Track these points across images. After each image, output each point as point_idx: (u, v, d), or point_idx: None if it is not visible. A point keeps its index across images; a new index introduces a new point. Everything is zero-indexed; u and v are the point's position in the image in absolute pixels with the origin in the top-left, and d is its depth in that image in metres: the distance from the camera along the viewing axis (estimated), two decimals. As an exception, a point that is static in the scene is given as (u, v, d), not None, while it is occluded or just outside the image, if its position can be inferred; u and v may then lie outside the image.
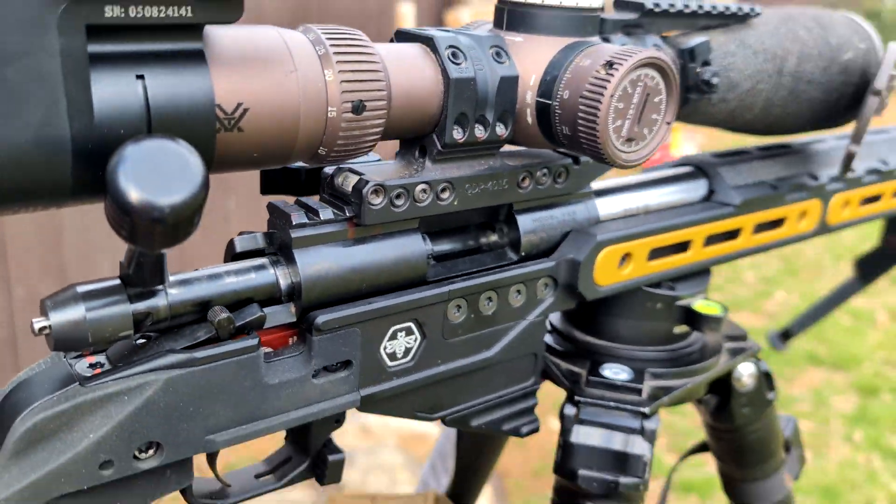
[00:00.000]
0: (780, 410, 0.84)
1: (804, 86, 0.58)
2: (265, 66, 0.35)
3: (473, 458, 0.72)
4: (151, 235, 0.29)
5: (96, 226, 1.61)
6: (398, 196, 0.42)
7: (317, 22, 0.38)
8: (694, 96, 0.52)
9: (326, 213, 0.41)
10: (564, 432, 0.53)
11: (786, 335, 1.07)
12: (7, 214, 0.32)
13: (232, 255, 0.42)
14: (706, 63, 0.52)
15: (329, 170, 0.44)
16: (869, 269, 1.02)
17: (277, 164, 0.38)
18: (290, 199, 0.44)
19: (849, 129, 0.63)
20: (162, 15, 0.31)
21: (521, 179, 0.47)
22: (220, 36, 0.35)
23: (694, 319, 0.55)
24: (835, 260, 4.00)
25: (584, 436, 0.51)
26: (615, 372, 0.55)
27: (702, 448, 0.71)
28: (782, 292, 3.54)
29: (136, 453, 0.37)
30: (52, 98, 0.30)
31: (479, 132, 0.43)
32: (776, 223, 0.62)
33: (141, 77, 0.32)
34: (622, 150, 0.42)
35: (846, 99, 0.60)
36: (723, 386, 0.61)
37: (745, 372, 0.62)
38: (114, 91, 0.31)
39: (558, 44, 0.43)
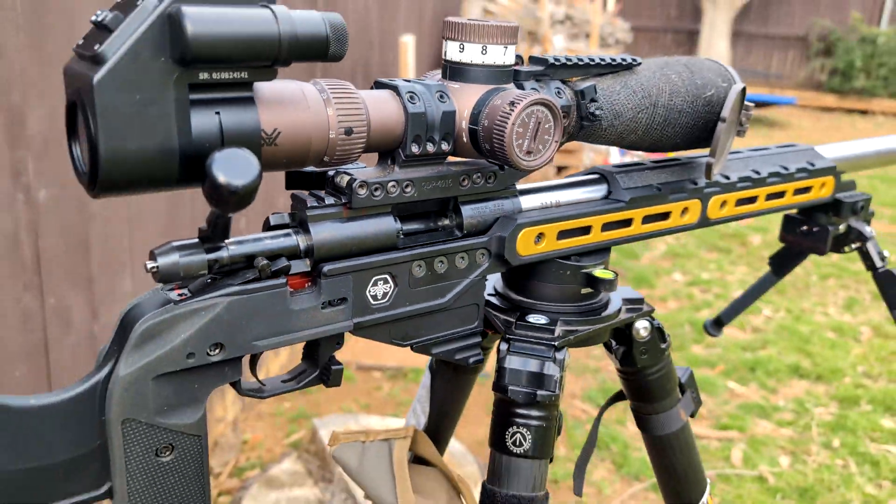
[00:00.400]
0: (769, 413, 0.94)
1: (676, 115, 0.76)
2: (290, 106, 0.54)
3: (444, 402, 0.92)
4: (228, 203, 0.49)
5: (119, 243, 1.75)
6: (376, 189, 0.61)
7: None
8: (586, 123, 0.72)
9: (329, 199, 0.61)
10: (500, 360, 0.72)
11: (718, 322, 1.25)
12: (141, 194, 0.52)
13: (267, 226, 0.62)
14: (594, 100, 0.71)
15: (331, 172, 0.63)
16: (780, 264, 1.18)
17: (298, 167, 0.57)
18: (305, 192, 0.64)
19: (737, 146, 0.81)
20: (229, 77, 0.50)
21: (462, 180, 0.66)
22: (263, 87, 0.53)
23: (594, 282, 0.74)
24: (822, 279, 4.13)
25: (512, 362, 0.71)
26: (536, 318, 0.74)
27: (619, 395, 0.90)
28: (769, 309, 3.68)
29: (209, 350, 0.56)
30: (169, 125, 0.49)
31: (430, 147, 0.62)
32: (663, 216, 0.82)
33: (218, 113, 0.50)
34: (524, 160, 0.62)
35: (710, 125, 0.79)
36: (625, 337, 0.82)
37: (642, 326, 0.82)
38: (203, 121, 0.50)
39: (482, 89, 0.63)
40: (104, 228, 1.70)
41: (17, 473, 0.51)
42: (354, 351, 2.95)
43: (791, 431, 2.60)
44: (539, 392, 0.69)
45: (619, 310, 0.80)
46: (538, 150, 0.63)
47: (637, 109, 0.73)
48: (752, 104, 0.81)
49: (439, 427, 0.92)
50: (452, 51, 0.63)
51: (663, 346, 0.84)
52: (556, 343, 0.71)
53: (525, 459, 0.70)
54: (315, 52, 0.51)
